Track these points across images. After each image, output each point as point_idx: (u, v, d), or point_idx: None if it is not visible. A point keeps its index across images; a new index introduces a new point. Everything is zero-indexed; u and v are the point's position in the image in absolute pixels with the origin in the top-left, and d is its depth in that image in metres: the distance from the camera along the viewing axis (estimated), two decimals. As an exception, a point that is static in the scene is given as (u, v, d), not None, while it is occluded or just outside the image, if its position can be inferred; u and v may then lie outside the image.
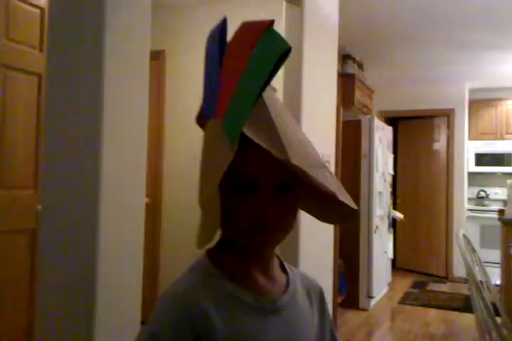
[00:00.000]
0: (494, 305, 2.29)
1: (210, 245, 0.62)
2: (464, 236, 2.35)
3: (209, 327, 0.57)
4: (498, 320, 2.20)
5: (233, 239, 0.64)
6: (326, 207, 0.66)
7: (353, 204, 0.64)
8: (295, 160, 0.55)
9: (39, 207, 2.11)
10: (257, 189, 0.59)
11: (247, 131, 0.55)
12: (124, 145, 1.29)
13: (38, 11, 2.27)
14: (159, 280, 3.16)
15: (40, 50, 2.26)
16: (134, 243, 1.34)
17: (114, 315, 1.26)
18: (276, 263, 0.69)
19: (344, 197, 0.63)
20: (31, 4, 2.24)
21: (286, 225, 0.64)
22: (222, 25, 0.62)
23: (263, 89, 0.56)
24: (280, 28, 2.43)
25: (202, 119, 0.65)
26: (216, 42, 0.62)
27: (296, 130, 0.64)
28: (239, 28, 0.60)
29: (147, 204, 3.03)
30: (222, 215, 0.57)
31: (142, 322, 1.31)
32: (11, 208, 2.12)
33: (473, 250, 2.39)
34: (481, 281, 2.31)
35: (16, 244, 2.15)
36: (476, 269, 2.30)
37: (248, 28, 0.59)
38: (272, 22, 0.56)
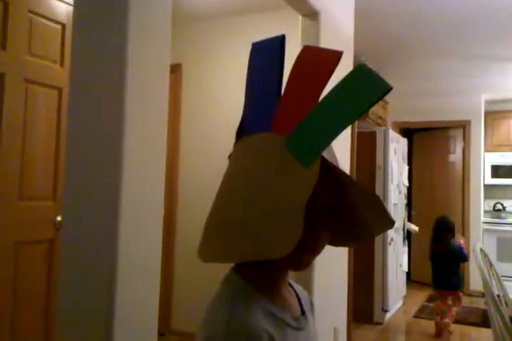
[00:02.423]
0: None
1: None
2: (481, 250, 2.32)
3: None
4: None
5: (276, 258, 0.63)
6: (350, 229, 0.69)
7: (392, 225, 0.65)
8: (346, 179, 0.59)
9: (58, 218, 2.16)
10: (312, 210, 0.59)
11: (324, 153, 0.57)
12: (145, 157, 1.31)
13: (59, 26, 2.34)
14: (173, 291, 3.16)
15: (61, 65, 2.32)
16: (152, 255, 1.35)
17: (133, 325, 1.27)
18: None
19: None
20: (52, 20, 2.30)
21: (324, 247, 0.66)
22: (282, 40, 0.61)
23: (353, 122, 0.58)
24: (296, 41, 2.46)
25: (243, 131, 0.64)
26: (275, 55, 0.61)
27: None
28: (306, 49, 0.61)
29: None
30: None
31: (161, 334, 1.32)
32: (30, 219, 2.16)
33: (491, 264, 2.36)
34: (498, 295, 2.27)
35: (34, 254, 2.18)
36: (493, 283, 2.27)
37: (320, 54, 0.61)
38: (341, 54, 0.59)
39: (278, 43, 0.62)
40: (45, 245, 2.22)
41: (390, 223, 0.65)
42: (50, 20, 2.31)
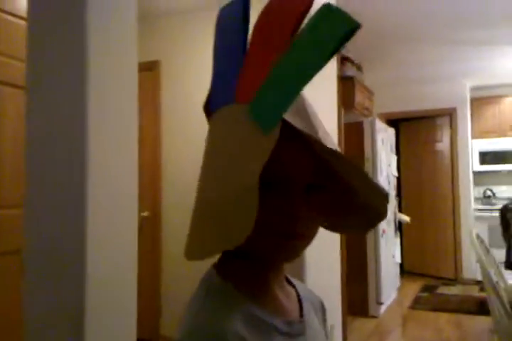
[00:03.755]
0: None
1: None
2: (478, 236, 2.27)
3: None
4: None
5: (249, 248, 0.53)
6: (348, 212, 0.59)
7: (386, 198, 0.55)
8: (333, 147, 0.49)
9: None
10: (285, 188, 0.51)
11: (287, 117, 0.47)
12: (113, 159, 1.22)
13: (24, 22, 2.21)
14: (161, 294, 3.07)
15: (28, 63, 2.20)
16: (126, 259, 1.27)
17: (108, 333, 1.18)
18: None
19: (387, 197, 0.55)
20: (16, 16, 2.17)
21: (313, 231, 0.56)
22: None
23: (319, 69, 0.47)
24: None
25: (210, 106, 0.56)
26: (237, 17, 0.53)
27: (321, 122, 0.57)
28: (268, 4, 0.51)
29: (147, 218, 2.98)
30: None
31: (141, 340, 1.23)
32: (3, 228, 2.04)
33: (488, 250, 2.31)
34: (496, 282, 2.22)
35: (5, 266, 2.06)
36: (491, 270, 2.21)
37: (285, 4, 0.50)
38: None
39: (240, 1, 0.52)
40: (18, 256, 2.10)
41: (384, 196, 0.55)
42: (14, 15, 2.18)
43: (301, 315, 0.60)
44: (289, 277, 0.65)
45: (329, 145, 0.49)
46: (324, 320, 0.70)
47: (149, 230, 3.01)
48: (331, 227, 0.63)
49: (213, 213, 0.50)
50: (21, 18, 2.19)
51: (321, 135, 0.50)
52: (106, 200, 1.19)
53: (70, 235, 1.14)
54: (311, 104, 0.57)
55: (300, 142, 0.50)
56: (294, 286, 0.64)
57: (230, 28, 0.53)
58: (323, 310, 0.70)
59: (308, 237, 0.55)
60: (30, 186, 1.20)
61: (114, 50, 1.26)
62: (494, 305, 2.07)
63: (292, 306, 0.60)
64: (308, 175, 0.53)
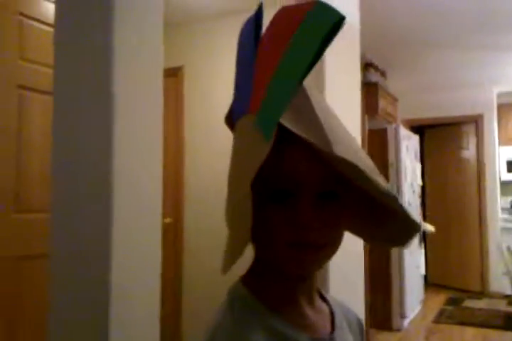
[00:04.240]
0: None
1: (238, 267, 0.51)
2: (509, 248, 2.18)
3: None
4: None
5: (268, 260, 0.53)
6: (376, 223, 0.56)
7: (414, 217, 0.53)
8: (343, 154, 0.46)
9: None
10: (296, 196, 0.50)
11: (285, 122, 0.46)
12: (138, 166, 1.20)
13: (51, 29, 2.24)
14: (182, 302, 3.05)
15: (55, 69, 2.22)
16: (150, 266, 1.25)
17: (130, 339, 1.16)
18: (316, 289, 0.59)
19: (403, 206, 0.52)
20: (44, 23, 2.20)
21: (332, 240, 0.53)
22: (258, 13, 0.53)
23: (308, 70, 0.47)
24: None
25: (232, 119, 0.56)
26: (250, 32, 0.53)
27: (342, 126, 0.54)
28: (276, 13, 0.52)
29: (169, 224, 2.97)
30: (254, 230, 0.47)
31: None
32: (27, 233, 2.05)
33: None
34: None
35: (37, 269, 2.07)
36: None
37: (288, 13, 0.51)
38: (313, 3, 0.48)
39: (253, 15, 0.53)
40: (46, 260, 2.11)
41: (395, 198, 0.51)
42: (43, 22, 2.21)
43: (332, 331, 0.57)
44: (323, 292, 0.62)
45: (336, 147, 0.46)
46: (362, 339, 0.66)
47: (172, 235, 3.00)
48: (368, 239, 0.61)
49: (228, 224, 0.50)
50: (49, 24, 2.22)
51: (329, 136, 0.47)
52: (131, 206, 1.18)
53: (96, 241, 1.13)
54: (332, 108, 0.55)
55: (308, 148, 0.48)
56: (327, 301, 0.61)
57: (246, 43, 0.54)
58: (360, 327, 0.67)
59: (326, 246, 0.52)
60: (57, 192, 1.20)
61: (140, 56, 1.25)
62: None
63: (322, 322, 0.57)
64: (319, 182, 0.50)
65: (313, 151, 0.48)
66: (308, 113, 0.49)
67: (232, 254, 0.47)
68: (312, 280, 0.57)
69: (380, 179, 0.50)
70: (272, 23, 0.52)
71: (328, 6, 0.47)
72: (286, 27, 0.49)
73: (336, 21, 0.47)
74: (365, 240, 0.62)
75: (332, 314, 0.60)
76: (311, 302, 0.57)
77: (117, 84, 1.15)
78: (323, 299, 0.62)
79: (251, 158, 0.47)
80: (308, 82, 0.51)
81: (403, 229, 0.55)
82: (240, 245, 0.47)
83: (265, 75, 0.49)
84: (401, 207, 0.51)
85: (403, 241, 0.57)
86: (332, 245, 0.53)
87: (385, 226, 0.56)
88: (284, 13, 0.52)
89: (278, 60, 0.48)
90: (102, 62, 1.16)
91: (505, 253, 2.11)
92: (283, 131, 0.47)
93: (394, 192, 0.50)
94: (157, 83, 1.31)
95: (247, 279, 0.56)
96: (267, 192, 0.50)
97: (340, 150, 0.46)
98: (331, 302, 0.62)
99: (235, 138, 0.54)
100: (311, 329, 0.54)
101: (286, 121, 0.46)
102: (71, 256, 1.19)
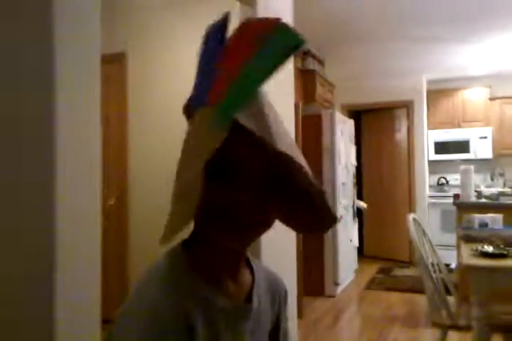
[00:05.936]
0: (445, 285, 2.47)
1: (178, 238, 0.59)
2: (414, 219, 2.50)
3: (195, 330, 0.57)
4: (449, 298, 2.37)
5: (208, 235, 0.61)
6: (308, 215, 0.64)
7: (333, 210, 0.63)
8: (284, 149, 0.55)
9: None
10: (238, 178, 0.57)
11: (242, 119, 0.55)
12: (77, 155, 1.33)
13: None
14: (129, 282, 3.20)
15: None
16: (91, 242, 1.38)
17: (75, 309, 1.30)
18: (244, 261, 0.69)
19: (327, 201, 0.62)
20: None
21: (269, 221, 0.62)
22: (225, 18, 0.63)
23: (269, 77, 0.57)
24: (234, 26, 2.51)
25: (189, 109, 0.64)
26: (215, 35, 0.62)
27: (286, 130, 0.63)
28: (242, 24, 0.61)
29: (113, 206, 3.10)
30: (200, 206, 0.55)
31: (104, 321, 1.35)
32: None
33: (424, 233, 2.55)
34: (432, 263, 2.48)
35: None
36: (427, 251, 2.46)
37: (254, 24, 0.60)
38: (279, 20, 0.58)
39: (220, 19, 0.63)
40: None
41: (331, 219, 0.63)
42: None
43: (248, 300, 0.66)
44: (253, 262, 0.71)
45: (280, 145, 0.55)
46: (284, 309, 0.76)
47: (116, 216, 3.14)
48: (290, 226, 0.67)
49: (173, 200, 0.58)
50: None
51: (274, 136, 0.56)
52: (71, 188, 1.30)
53: (39, 223, 1.25)
54: (272, 104, 0.65)
55: (252, 142, 0.56)
56: (253, 272, 0.70)
57: (211, 46, 0.63)
58: (285, 299, 0.76)
59: (263, 225, 0.61)
60: None
61: (77, 40, 1.35)
62: (427, 284, 2.33)
63: (240, 293, 0.66)
64: (259, 164, 0.58)
65: (257, 144, 0.56)
66: (259, 114, 0.58)
67: (174, 228, 0.54)
68: (239, 258, 0.65)
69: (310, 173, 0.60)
70: (239, 31, 0.60)
71: (290, 28, 0.56)
72: (252, 38, 0.57)
73: (297, 44, 0.56)
74: (287, 226, 0.67)
75: (253, 284, 0.68)
76: (234, 276, 0.65)
77: (57, 69, 1.26)
78: (251, 269, 0.70)
79: (207, 142, 0.54)
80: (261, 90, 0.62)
81: (322, 219, 0.63)
82: (184, 220, 0.53)
83: (229, 76, 0.57)
84: (325, 201, 0.60)
85: (321, 230, 0.66)
86: (265, 225, 0.61)
87: (306, 216, 0.64)
88: (250, 24, 0.60)
89: (241, 65, 0.56)
90: (42, 47, 1.26)
91: (411, 223, 2.43)
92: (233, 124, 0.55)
93: (323, 187, 0.62)
94: (95, 68, 1.40)
95: (186, 245, 0.63)
96: (215, 171, 0.57)
97: (282, 147, 0.55)
98: (257, 272, 0.70)
99: (191, 126, 0.62)
100: (230, 297, 0.63)
101: (241, 117, 0.55)
102: (15, 234, 1.30)
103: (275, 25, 0.57)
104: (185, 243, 0.64)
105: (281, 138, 0.57)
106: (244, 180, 0.57)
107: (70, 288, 1.26)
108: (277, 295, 0.75)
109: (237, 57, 0.57)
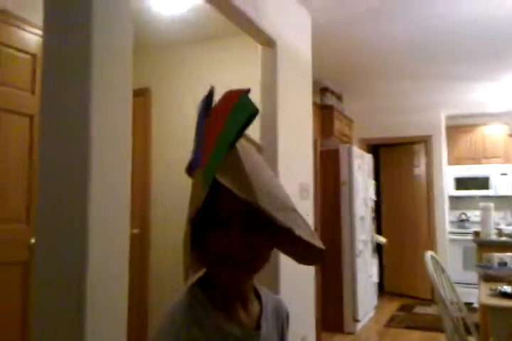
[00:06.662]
0: (465, 324, 2.41)
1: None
2: (432, 257, 2.49)
3: None
4: (470, 338, 2.31)
5: (212, 274, 0.71)
6: (298, 249, 0.72)
7: (320, 245, 0.71)
8: (263, 204, 0.64)
9: (32, 240, 2.23)
10: (228, 226, 0.67)
11: (220, 178, 0.65)
12: (110, 179, 1.42)
13: (28, 56, 2.46)
14: (148, 310, 3.22)
15: (32, 93, 2.43)
16: (119, 271, 1.45)
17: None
18: (252, 291, 0.77)
19: (312, 237, 0.70)
20: (23, 51, 2.42)
21: (257, 256, 0.69)
22: (209, 94, 0.73)
23: (233, 142, 0.67)
24: (257, 66, 2.64)
25: (191, 170, 0.75)
26: (203, 108, 0.73)
27: (269, 178, 0.72)
28: (223, 95, 0.71)
29: (136, 235, 3.17)
30: (200, 252, 0.68)
31: None
32: (3, 241, 2.23)
33: (443, 270, 2.52)
34: (452, 302, 2.43)
35: (8, 276, 2.24)
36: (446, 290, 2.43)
37: (228, 96, 0.70)
38: (248, 90, 0.68)
39: (207, 94, 0.73)
40: (20, 267, 2.29)
41: (319, 250, 0.70)
42: (21, 51, 2.43)
43: (258, 327, 0.74)
44: (259, 289, 0.80)
45: (261, 201, 0.64)
46: (286, 330, 0.85)
47: (138, 247, 3.20)
48: (293, 257, 0.76)
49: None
50: (26, 52, 2.45)
51: (255, 190, 0.65)
52: (104, 216, 1.39)
53: (73, 244, 1.33)
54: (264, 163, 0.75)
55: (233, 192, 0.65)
56: (261, 299, 0.78)
57: (199, 120, 0.74)
58: (287, 322, 0.85)
59: (250, 262, 0.69)
60: (41, 201, 1.40)
61: (113, 78, 1.47)
62: (446, 322, 2.28)
63: (250, 320, 0.74)
64: (240, 215, 0.67)
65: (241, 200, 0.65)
66: (238, 171, 0.66)
67: (184, 271, 0.67)
68: (245, 290, 0.74)
69: (293, 217, 0.68)
70: (219, 102, 0.71)
71: (248, 101, 0.67)
72: (225, 108, 0.68)
73: (252, 113, 0.66)
74: (296, 261, 0.77)
75: (261, 311, 0.76)
76: (244, 306, 0.74)
77: (93, 103, 1.37)
78: (258, 296, 0.78)
79: (198, 197, 0.66)
80: (246, 145, 0.72)
81: (312, 252, 0.72)
82: (185, 266, 0.66)
83: (211, 143, 0.68)
84: (299, 237, 0.67)
85: (315, 261, 0.76)
86: (255, 261, 0.69)
87: (303, 251, 0.72)
88: (227, 95, 0.70)
89: (220, 131, 0.68)
90: (81, 84, 1.38)
91: (429, 261, 2.41)
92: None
93: (303, 228, 0.69)
94: (127, 102, 1.52)
95: (200, 283, 0.72)
96: (210, 222, 0.68)
97: (260, 199, 0.64)
98: (264, 299, 0.79)
99: (192, 184, 0.72)
100: (242, 325, 0.71)
101: (220, 178, 0.65)
102: (52, 260, 1.38)
103: (239, 96, 0.67)
104: (200, 280, 0.73)
105: (265, 192, 0.66)
106: (234, 227, 0.67)
107: (97, 322, 1.31)
108: (281, 317, 0.83)
109: (215, 126, 0.69)
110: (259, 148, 0.80)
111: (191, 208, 0.67)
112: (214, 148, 0.68)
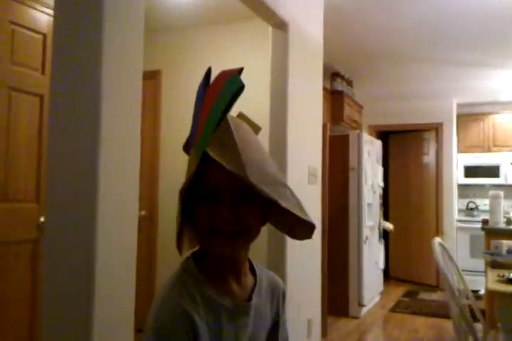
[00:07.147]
0: (472, 311, 2.42)
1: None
2: (440, 244, 2.48)
3: (196, 326, 0.67)
4: (476, 324, 2.32)
5: (203, 245, 0.74)
6: (288, 223, 0.75)
7: (308, 218, 0.73)
8: (252, 178, 0.66)
9: (41, 218, 2.26)
10: (218, 199, 0.70)
11: (210, 151, 0.68)
12: (120, 160, 1.43)
13: (40, 36, 2.45)
14: (156, 289, 3.27)
15: (42, 73, 2.43)
16: (128, 248, 1.46)
17: (111, 321, 1.37)
18: (246, 265, 0.80)
19: (300, 211, 0.73)
20: (34, 30, 2.41)
21: (247, 228, 0.72)
22: (207, 75, 0.77)
23: (222, 117, 0.70)
24: (268, 49, 2.61)
25: (188, 147, 0.78)
26: (201, 87, 0.76)
27: (260, 152, 0.74)
28: (217, 75, 0.74)
29: (144, 217, 3.20)
30: (193, 226, 0.71)
31: (138, 330, 1.41)
32: (13, 220, 2.26)
33: (450, 258, 2.52)
34: (459, 289, 2.43)
35: (18, 254, 2.28)
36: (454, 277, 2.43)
37: (222, 75, 0.73)
38: (240, 69, 0.71)
39: (205, 74, 0.76)
40: (29, 245, 2.32)
41: (309, 224, 0.74)
42: (32, 30, 2.42)
43: (249, 300, 0.76)
44: (255, 265, 0.83)
45: (251, 176, 0.66)
46: (282, 306, 0.86)
47: (146, 228, 3.23)
48: (284, 231, 0.80)
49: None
50: (37, 32, 2.44)
51: (245, 166, 0.67)
52: (113, 199, 1.39)
53: (83, 229, 1.34)
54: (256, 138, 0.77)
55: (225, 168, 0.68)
56: (256, 275, 0.81)
57: (197, 96, 0.77)
58: (283, 297, 0.87)
59: (242, 233, 0.71)
60: (50, 187, 1.41)
61: (124, 61, 1.47)
62: (453, 309, 2.29)
63: (242, 292, 0.76)
64: (230, 188, 0.69)
65: (231, 174, 0.67)
66: (230, 145, 0.69)
67: (176, 241, 0.72)
68: (239, 263, 0.76)
69: (281, 191, 0.70)
70: (213, 81, 0.74)
71: (236, 77, 0.70)
72: (217, 87, 0.72)
73: (238, 88, 0.68)
74: (289, 236, 0.80)
75: (254, 286, 0.79)
76: (238, 279, 0.76)
77: (104, 85, 1.37)
78: (254, 272, 0.81)
79: (188, 173, 0.70)
80: (238, 121, 0.75)
81: (302, 226, 0.75)
82: (177, 236, 0.72)
83: (204, 118, 0.72)
84: (287, 209, 0.70)
85: (305, 236, 0.78)
86: (246, 232, 0.72)
87: (289, 222, 0.75)
88: (221, 74, 0.74)
89: (210, 108, 0.71)
90: (92, 66, 1.38)
91: (437, 248, 2.40)
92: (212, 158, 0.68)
93: (293, 202, 0.71)
94: (137, 83, 1.52)
95: (195, 256, 0.75)
96: (201, 196, 0.71)
97: (250, 173, 0.66)
98: (259, 274, 0.81)
99: (188, 160, 0.75)
100: (232, 296, 0.73)
101: (211, 152, 0.68)
102: (61, 244, 1.39)
103: (230, 74, 0.70)
104: (195, 253, 0.76)
105: (255, 166, 0.68)
106: (223, 200, 0.70)
107: (106, 299, 1.33)
108: (276, 294, 0.85)
109: (208, 104, 0.72)
110: (256, 129, 0.82)
111: (185, 181, 0.70)
112: (205, 124, 0.71)
